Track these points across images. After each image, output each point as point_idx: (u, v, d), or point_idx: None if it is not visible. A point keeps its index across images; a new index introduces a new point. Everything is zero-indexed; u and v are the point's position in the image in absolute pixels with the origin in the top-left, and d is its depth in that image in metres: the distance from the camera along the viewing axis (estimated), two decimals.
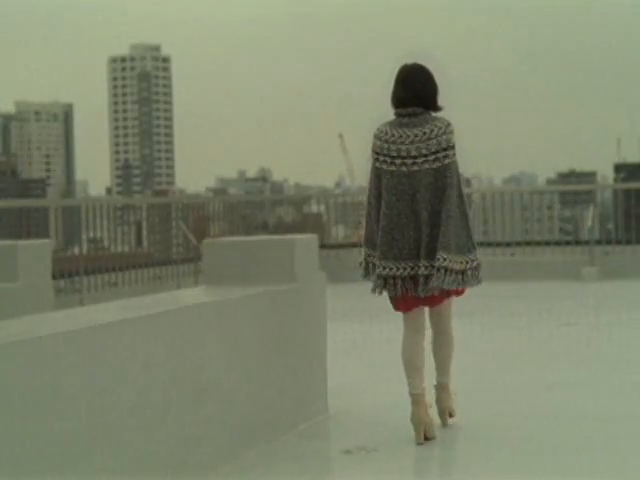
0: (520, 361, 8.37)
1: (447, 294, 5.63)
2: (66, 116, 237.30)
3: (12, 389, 3.80)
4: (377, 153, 5.63)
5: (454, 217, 5.46)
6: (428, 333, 5.85)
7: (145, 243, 16.09)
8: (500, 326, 10.67)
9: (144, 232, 15.94)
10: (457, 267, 5.45)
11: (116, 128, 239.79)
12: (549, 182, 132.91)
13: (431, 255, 5.45)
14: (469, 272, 5.52)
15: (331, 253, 16.19)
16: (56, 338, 4.11)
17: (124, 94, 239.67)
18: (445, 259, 5.40)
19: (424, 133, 5.53)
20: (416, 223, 5.50)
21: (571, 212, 20.57)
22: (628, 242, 15.95)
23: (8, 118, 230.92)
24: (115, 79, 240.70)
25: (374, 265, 5.65)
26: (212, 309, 5.29)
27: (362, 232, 5.90)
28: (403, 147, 5.54)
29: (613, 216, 17.44)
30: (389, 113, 5.73)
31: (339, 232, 18.57)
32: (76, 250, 13.38)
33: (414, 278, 5.51)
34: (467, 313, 9.31)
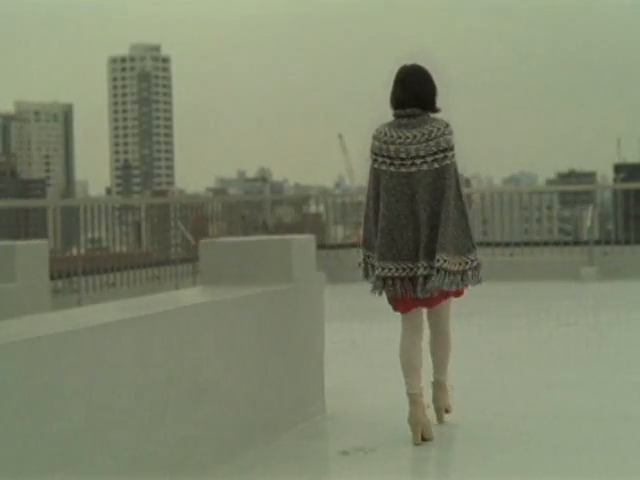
0: (519, 361, 8.36)
1: (446, 295, 5.64)
2: (66, 116, 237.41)
3: (10, 389, 3.80)
4: (376, 154, 5.64)
5: (453, 218, 5.46)
6: (426, 333, 5.85)
7: (144, 243, 16.08)
8: (499, 326, 10.66)
9: (143, 232, 15.92)
10: (455, 268, 5.45)
11: (116, 128, 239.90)
12: (549, 182, 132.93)
13: (430, 256, 5.45)
14: (469, 272, 5.53)
15: (330, 253, 16.19)
16: (54, 338, 4.11)
17: (124, 94, 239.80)
18: (445, 261, 5.41)
19: (423, 134, 5.54)
20: (415, 224, 5.50)
21: (570, 212, 20.57)
22: (627, 242, 15.95)
23: (8, 118, 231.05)
24: (115, 79, 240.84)
25: (373, 266, 5.65)
26: (209, 309, 5.28)
27: (361, 232, 5.90)
28: (402, 148, 5.55)
29: (613, 216, 17.42)
30: (388, 113, 5.73)
31: (339, 232, 18.57)
32: (74, 250, 13.37)
33: (413, 279, 5.51)
34: (466, 313, 9.30)
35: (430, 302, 5.62)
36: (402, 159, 5.54)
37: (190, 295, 6.28)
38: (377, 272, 5.56)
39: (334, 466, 5.46)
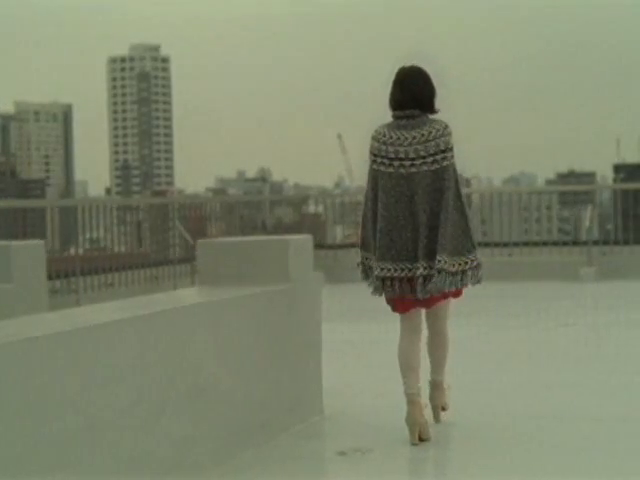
0: (518, 361, 8.36)
1: (445, 295, 5.64)
2: (65, 116, 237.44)
3: (7, 390, 3.80)
4: (375, 155, 5.65)
5: (452, 219, 5.47)
6: (424, 333, 5.85)
7: (143, 243, 16.06)
8: (498, 326, 10.66)
9: (142, 232, 15.91)
10: (454, 269, 5.46)
11: (115, 128, 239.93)
12: (548, 182, 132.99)
13: (429, 256, 5.45)
14: (469, 272, 5.54)
15: (329, 253, 16.19)
16: (51, 339, 4.11)
17: (123, 94, 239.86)
18: (446, 262, 5.42)
19: (422, 135, 5.55)
20: (414, 225, 5.50)
21: (570, 213, 20.57)
22: (626, 242, 15.94)
23: (7, 118, 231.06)
24: (114, 79, 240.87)
25: (371, 268, 5.65)
26: (207, 310, 5.28)
27: (360, 233, 5.90)
28: (401, 149, 5.55)
29: (613, 217, 17.41)
30: (388, 114, 5.74)
31: (338, 232, 18.56)
32: (72, 251, 13.36)
33: (411, 280, 5.51)
34: (466, 313, 9.31)
35: (429, 302, 5.63)
36: (401, 160, 5.55)
37: (188, 295, 6.28)
38: (376, 272, 5.57)
39: (331, 466, 5.45)
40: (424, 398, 5.71)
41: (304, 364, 6.11)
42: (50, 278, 11.44)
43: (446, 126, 5.60)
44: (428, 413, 5.74)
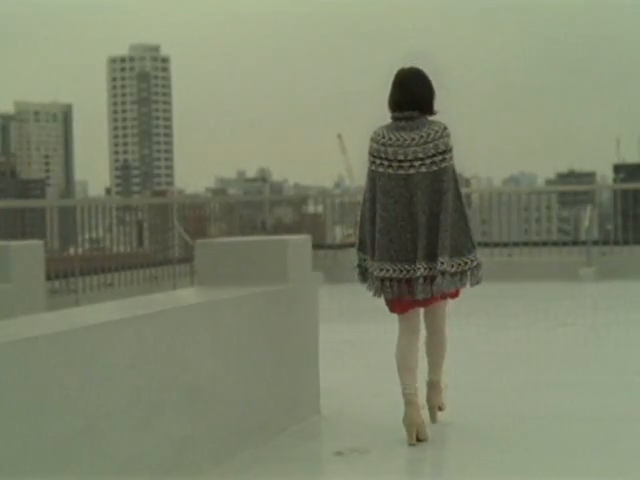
0: (517, 361, 8.35)
1: (443, 295, 5.65)
2: (65, 116, 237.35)
3: (5, 390, 3.80)
4: (374, 156, 5.66)
5: (452, 220, 5.49)
6: (423, 334, 5.85)
7: (142, 243, 16.06)
8: (497, 326, 10.65)
9: (141, 233, 15.90)
10: (454, 269, 5.47)
11: (115, 128, 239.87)
12: (548, 182, 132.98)
13: (429, 257, 5.47)
14: (468, 272, 5.55)
15: (329, 253, 16.20)
16: (49, 338, 4.11)
17: (123, 94, 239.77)
18: (442, 263, 5.43)
19: (421, 137, 5.56)
20: (413, 226, 5.51)
21: (569, 212, 20.56)
22: (625, 242, 15.93)
23: (7, 118, 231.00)
24: (114, 79, 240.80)
25: (367, 269, 5.66)
26: (204, 310, 5.28)
27: (357, 234, 5.91)
28: (400, 150, 5.57)
29: (612, 217, 17.40)
30: (388, 114, 5.75)
31: (337, 232, 18.55)
32: (72, 251, 13.36)
33: (409, 281, 5.52)
34: (465, 313, 9.31)
35: (427, 301, 5.63)
36: (400, 161, 5.56)
37: (186, 295, 6.28)
38: (375, 273, 5.57)
39: (329, 467, 5.46)
40: (421, 398, 5.71)
41: (302, 364, 6.10)
42: (49, 278, 11.44)
43: (445, 128, 5.62)
44: (425, 413, 5.74)
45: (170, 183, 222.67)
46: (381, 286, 5.56)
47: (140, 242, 15.91)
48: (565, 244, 16.52)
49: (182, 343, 4.91)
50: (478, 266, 5.59)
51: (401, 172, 5.55)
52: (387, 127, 5.67)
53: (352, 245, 5.90)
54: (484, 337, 9.93)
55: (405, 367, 5.62)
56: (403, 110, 5.62)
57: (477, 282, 5.60)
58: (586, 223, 16.17)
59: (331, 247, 16.79)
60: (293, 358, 5.99)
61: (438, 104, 5.71)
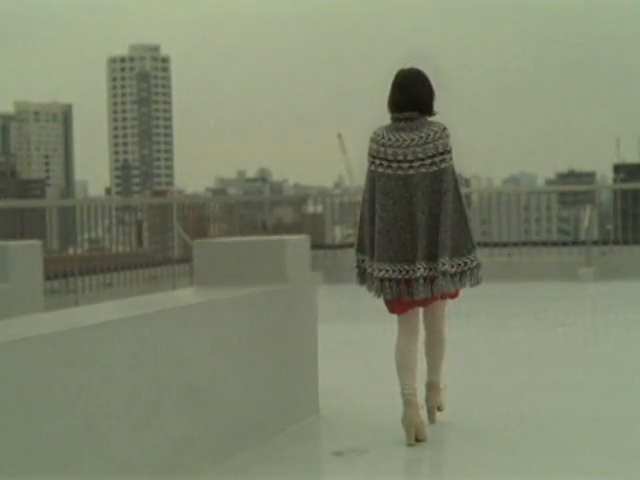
0: (516, 361, 8.35)
1: (442, 295, 5.65)
2: (65, 116, 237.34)
3: (3, 390, 3.80)
4: (373, 157, 5.67)
5: (452, 220, 5.50)
6: (422, 334, 5.84)
7: (142, 243, 16.06)
8: (497, 326, 10.65)
9: (141, 233, 15.90)
10: (454, 270, 5.48)
11: (115, 128, 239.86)
12: (548, 182, 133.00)
13: (430, 257, 5.48)
14: (468, 272, 5.55)
15: (328, 253, 16.19)
16: (46, 339, 4.11)
17: (123, 94, 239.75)
18: (443, 264, 5.44)
19: (420, 137, 5.57)
20: (412, 226, 5.52)
21: (569, 212, 20.56)
22: (625, 242, 15.93)
23: (7, 118, 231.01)
24: (114, 79, 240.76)
25: (365, 270, 5.67)
26: (203, 310, 5.27)
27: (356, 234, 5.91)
28: (400, 151, 5.58)
29: (612, 217, 17.40)
30: (388, 114, 5.75)
31: (337, 232, 18.54)
32: (71, 251, 13.35)
33: (408, 281, 5.52)
34: (465, 313, 9.30)
35: (426, 301, 5.63)
36: (399, 162, 5.57)
37: (184, 295, 6.28)
38: (374, 273, 5.57)
39: (327, 467, 5.46)
40: (420, 399, 5.70)
41: (301, 364, 6.10)
42: (49, 278, 11.43)
43: (444, 128, 5.63)
44: (424, 414, 5.73)
45: (170, 183, 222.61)
46: (380, 286, 5.56)
47: (140, 242, 15.91)
48: (565, 244, 16.51)
49: (181, 343, 4.91)
50: (478, 266, 5.60)
51: (400, 173, 5.56)
52: (387, 128, 5.68)
53: (351, 245, 5.89)
54: (484, 337, 9.92)
55: (404, 367, 5.61)
56: (403, 111, 5.64)
57: (477, 282, 5.60)
58: (586, 223, 16.16)
59: (331, 247, 16.78)
60: (292, 358, 5.98)
61: (438, 105, 5.73)
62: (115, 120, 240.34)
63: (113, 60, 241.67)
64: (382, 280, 5.54)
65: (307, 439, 5.81)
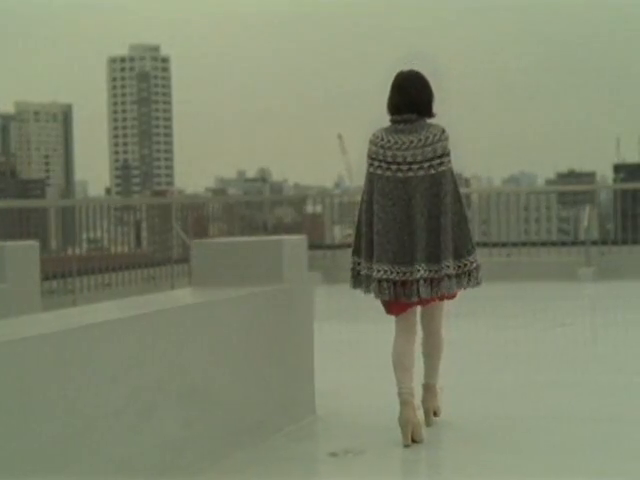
0: (515, 362, 8.34)
1: (440, 297, 5.65)
2: (65, 116, 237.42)
3: (0, 389, 3.78)
4: (372, 158, 5.68)
5: (452, 222, 5.51)
6: (419, 335, 5.83)
7: (141, 244, 16.06)
8: (496, 326, 10.64)
9: (140, 233, 15.90)
10: (454, 272, 5.49)
11: (115, 128, 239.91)
12: (548, 182, 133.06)
13: (430, 259, 5.48)
14: (468, 274, 5.57)
15: (327, 253, 16.18)
16: (45, 338, 4.10)
17: (123, 94, 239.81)
18: (448, 267, 5.46)
19: (419, 140, 5.58)
20: (410, 228, 5.53)
21: (569, 212, 20.55)
22: (624, 242, 15.92)
23: (7, 118, 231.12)
24: (114, 79, 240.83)
25: (359, 272, 5.67)
26: (199, 310, 5.27)
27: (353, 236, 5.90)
28: (399, 153, 5.59)
29: (613, 217, 17.39)
30: (387, 114, 5.74)
31: (337, 232, 18.53)
32: (70, 251, 13.34)
33: (405, 283, 5.52)
34: (464, 314, 9.29)
35: (424, 301, 5.62)
36: (398, 164, 5.58)
37: (181, 296, 6.27)
38: (373, 274, 5.56)
39: (323, 468, 5.45)
40: (417, 399, 5.69)
41: (297, 364, 6.09)
42: (47, 278, 11.42)
43: (443, 131, 5.65)
44: (420, 415, 5.71)
45: (170, 183, 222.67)
46: (378, 287, 5.55)
47: (138, 242, 15.90)
48: (564, 244, 16.50)
49: (176, 344, 4.90)
50: (478, 268, 5.61)
51: (399, 175, 5.57)
52: (386, 130, 5.69)
53: (350, 245, 5.88)
54: (483, 337, 9.92)
55: (401, 367, 5.60)
56: (402, 113, 5.65)
57: (477, 283, 5.62)
58: (585, 223, 16.16)
59: (330, 247, 16.77)
60: (289, 358, 5.97)
61: (437, 106, 5.73)
62: (115, 120, 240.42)
63: (113, 60, 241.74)
64: (380, 281, 5.54)
65: (304, 439, 5.80)
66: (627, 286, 14.03)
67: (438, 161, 5.56)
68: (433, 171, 5.54)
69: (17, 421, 3.84)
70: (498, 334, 10.04)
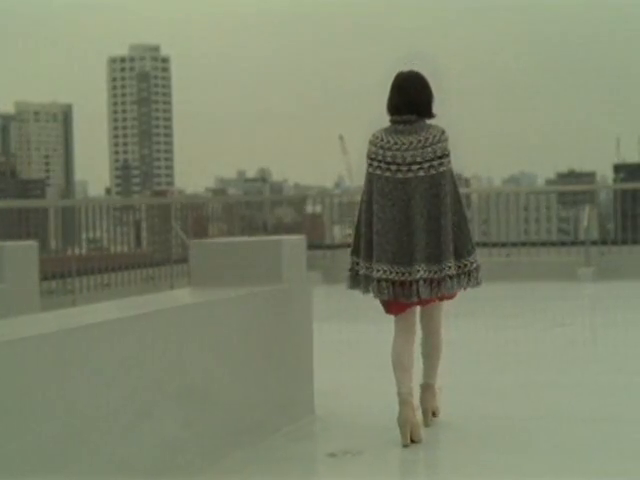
0: (515, 362, 8.34)
1: (440, 297, 5.66)
2: (65, 116, 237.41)
3: None
4: (372, 159, 5.69)
5: (452, 223, 5.52)
6: (418, 335, 5.83)
7: (141, 244, 16.05)
8: (496, 327, 10.64)
9: (140, 233, 15.89)
10: (454, 272, 5.50)
11: (115, 128, 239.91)
12: (548, 182, 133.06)
13: (430, 259, 5.49)
14: (468, 274, 5.57)
15: (327, 253, 16.18)
16: (42, 339, 4.10)
17: (123, 94, 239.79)
18: (450, 267, 5.46)
19: (419, 141, 5.59)
20: (410, 229, 5.53)
21: (569, 212, 20.56)
22: (624, 242, 15.91)
23: (7, 118, 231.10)
24: (114, 79, 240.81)
25: (358, 273, 5.66)
26: (198, 310, 5.27)
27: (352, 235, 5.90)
28: (398, 154, 5.59)
29: (613, 217, 17.39)
30: (387, 115, 5.74)
31: (337, 232, 18.53)
32: (69, 251, 13.34)
33: (404, 283, 5.52)
34: (463, 314, 9.28)
35: (423, 301, 5.61)
36: (398, 165, 5.59)
37: (180, 296, 6.27)
38: (372, 274, 5.56)
39: (321, 468, 5.44)
40: (416, 400, 5.68)
41: (296, 364, 6.09)
42: (46, 278, 11.41)
43: (443, 132, 5.66)
44: (419, 415, 5.70)
45: (170, 183, 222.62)
46: (377, 287, 5.55)
47: (138, 242, 15.90)
48: (564, 244, 16.50)
49: (174, 344, 4.90)
50: (478, 268, 5.62)
51: (399, 175, 5.58)
52: (386, 130, 5.70)
53: (349, 246, 5.88)
54: (483, 337, 9.92)
55: (400, 366, 5.60)
56: (402, 113, 5.65)
57: (477, 284, 5.62)
58: (585, 223, 16.15)
59: (330, 247, 16.77)
60: (288, 358, 5.97)
61: (437, 107, 5.73)
62: (115, 120, 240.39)
63: (113, 60, 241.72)
64: (379, 281, 5.54)
65: (303, 439, 5.79)
66: (627, 286, 14.03)
67: (438, 162, 5.57)
68: (433, 172, 5.55)
69: (17, 421, 3.84)
70: (498, 334, 10.04)
